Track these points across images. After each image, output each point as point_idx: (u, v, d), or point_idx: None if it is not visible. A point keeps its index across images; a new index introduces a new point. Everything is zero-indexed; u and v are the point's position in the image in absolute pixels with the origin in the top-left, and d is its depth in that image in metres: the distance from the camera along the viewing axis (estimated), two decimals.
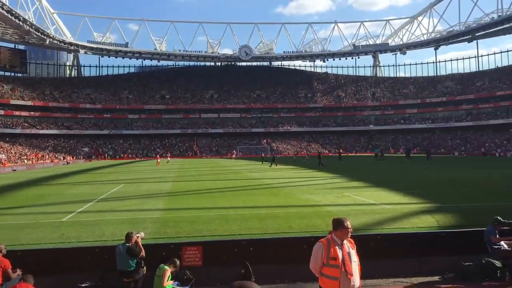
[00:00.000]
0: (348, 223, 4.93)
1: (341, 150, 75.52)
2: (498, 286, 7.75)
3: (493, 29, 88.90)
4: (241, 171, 38.51)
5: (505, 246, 8.48)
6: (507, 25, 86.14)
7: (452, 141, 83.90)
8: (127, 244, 7.26)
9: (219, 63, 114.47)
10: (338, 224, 4.94)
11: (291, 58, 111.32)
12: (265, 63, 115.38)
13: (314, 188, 21.95)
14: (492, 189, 20.17)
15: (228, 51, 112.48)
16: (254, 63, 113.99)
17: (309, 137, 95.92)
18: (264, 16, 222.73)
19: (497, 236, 8.62)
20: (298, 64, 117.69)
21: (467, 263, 8.27)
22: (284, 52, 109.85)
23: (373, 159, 52.29)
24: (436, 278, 8.23)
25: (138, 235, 7.45)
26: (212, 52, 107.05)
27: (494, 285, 7.83)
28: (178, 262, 7.12)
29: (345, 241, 4.95)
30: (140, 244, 7.34)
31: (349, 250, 4.94)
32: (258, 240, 9.23)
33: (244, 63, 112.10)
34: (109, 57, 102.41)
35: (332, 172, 33.77)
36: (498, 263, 8.18)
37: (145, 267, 7.34)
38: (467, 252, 8.73)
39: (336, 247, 4.86)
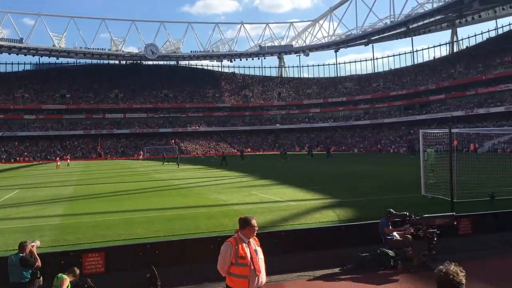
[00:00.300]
0: (254, 222, 4.99)
1: (248, 149, 76.60)
2: (392, 274, 8.33)
3: (386, 34, 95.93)
4: (148, 172, 37.63)
5: (397, 236, 9.13)
6: (399, 30, 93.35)
7: (352, 138, 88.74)
8: (21, 254, 6.76)
9: (124, 62, 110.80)
10: (245, 223, 4.98)
11: (198, 57, 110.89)
12: (172, 62, 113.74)
13: (222, 188, 22.05)
14: (386, 183, 21.63)
15: (133, 50, 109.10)
16: (161, 62, 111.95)
17: (218, 136, 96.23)
18: (171, 15, 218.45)
19: (390, 227, 9.26)
20: (205, 63, 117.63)
21: (364, 254, 8.78)
22: (191, 51, 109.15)
23: (279, 158, 53.70)
24: (336, 269, 8.63)
25: (33, 243, 6.97)
26: (117, 50, 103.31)
27: (388, 273, 8.39)
28: (78, 271, 6.76)
29: (251, 239, 5.01)
30: (36, 253, 6.86)
31: (255, 247, 5.00)
32: (164, 243, 9.08)
33: (150, 62, 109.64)
34: (1, 53, 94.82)
35: (240, 171, 34.18)
36: (391, 253, 8.79)
37: (41, 278, 6.88)
38: (364, 243, 9.27)
39: (244, 245, 4.90)
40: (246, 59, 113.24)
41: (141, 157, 70.49)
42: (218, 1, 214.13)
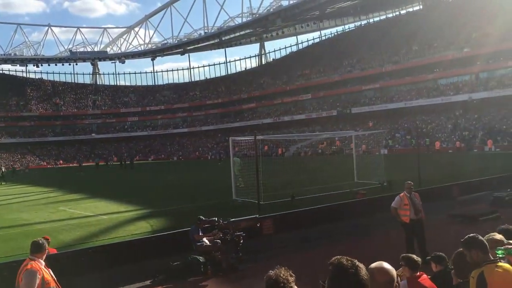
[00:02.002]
0: (46, 244, 4.87)
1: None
2: (201, 280, 8.52)
3: (201, 44, 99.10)
4: None
5: (207, 242, 9.36)
6: (213, 41, 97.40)
7: (171, 146, 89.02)
8: None
9: None
10: (39, 247, 4.78)
11: None
12: None
13: (25, 205, 20.07)
14: (199, 190, 22.13)
15: None
16: None
17: (24, 148, 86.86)
18: None
19: (200, 234, 9.45)
20: (7, 68, 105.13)
21: (175, 263, 8.80)
22: None
23: (95, 169, 51.08)
24: (147, 282, 8.48)
25: None
26: None
27: (198, 279, 8.56)
28: None
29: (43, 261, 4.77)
30: None
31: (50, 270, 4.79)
32: None
33: None
34: None
35: (48, 186, 31.41)
36: (201, 259, 8.98)
37: None
38: (176, 252, 9.30)
39: (44, 269, 4.64)
40: (56, 65, 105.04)
41: None
42: (20, 0, 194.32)
